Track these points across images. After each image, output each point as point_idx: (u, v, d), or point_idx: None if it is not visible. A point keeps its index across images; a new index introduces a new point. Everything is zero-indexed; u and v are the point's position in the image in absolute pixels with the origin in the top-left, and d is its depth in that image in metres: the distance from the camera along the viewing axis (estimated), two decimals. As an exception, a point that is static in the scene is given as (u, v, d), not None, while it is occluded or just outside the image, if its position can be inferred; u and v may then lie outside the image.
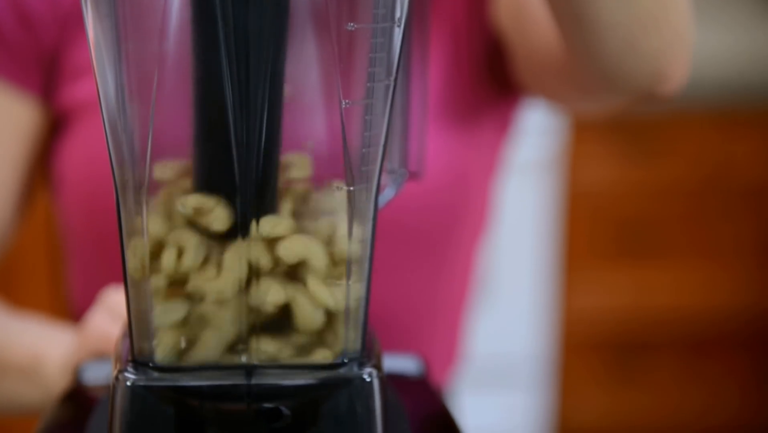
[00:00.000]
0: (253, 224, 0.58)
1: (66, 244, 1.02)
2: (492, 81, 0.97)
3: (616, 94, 0.84)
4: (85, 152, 0.94)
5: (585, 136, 2.65)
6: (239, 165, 0.57)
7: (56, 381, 0.82)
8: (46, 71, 0.95)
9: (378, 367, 0.60)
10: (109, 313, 0.77)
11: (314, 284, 0.59)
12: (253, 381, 0.58)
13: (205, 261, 0.59)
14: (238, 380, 0.58)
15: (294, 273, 0.59)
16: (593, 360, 2.79)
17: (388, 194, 0.66)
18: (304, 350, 0.60)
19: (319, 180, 0.60)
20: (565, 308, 2.75)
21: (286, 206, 0.59)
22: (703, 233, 2.72)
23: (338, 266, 0.59)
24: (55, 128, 0.97)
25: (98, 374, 0.71)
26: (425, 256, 0.98)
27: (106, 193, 0.65)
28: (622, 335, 2.77)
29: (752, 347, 2.79)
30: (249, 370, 0.59)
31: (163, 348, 0.59)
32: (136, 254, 0.58)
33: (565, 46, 0.80)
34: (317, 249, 0.59)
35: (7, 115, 0.94)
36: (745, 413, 2.83)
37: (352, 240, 0.59)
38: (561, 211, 2.69)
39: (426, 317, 1.02)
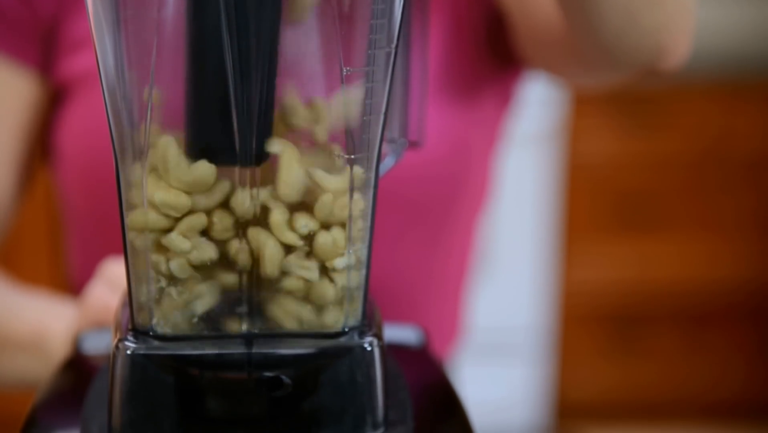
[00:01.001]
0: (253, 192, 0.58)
1: (65, 218, 1.02)
2: (493, 54, 0.96)
3: (618, 69, 0.83)
4: (83, 124, 0.93)
5: (585, 109, 2.65)
6: (239, 133, 0.56)
7: (60, 355, 0.82)
8: (44, 44, 0.94)
9: (378, 336, 0.60)
10: (109, 284, 0.77)
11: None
12: (254, 350, 0.58)
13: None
14: (239, 348, 0.58)
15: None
16: (593, 333, 2.79)
17: (388, 163, 0.66)
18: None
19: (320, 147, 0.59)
20: (565, 281, 2.75)
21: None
22: (704, 205, 2.73)
23: (339, 234, 0.59)
24: (53, 102, 0.97)
25: (98, 344, 0.71)
26: (426, 228, 0.97)
27: (105, 164, 0.65)
28: (622, 308, 2.78)
29: (754, 320, 2.80)
30: (249, 339, 0.59)
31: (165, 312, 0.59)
32: (135, 222, 0.58)
33: (565, 21, 0.79)
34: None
35: (7, 90, 0.94)
36: (748, 386, 2.84)
37: (353, 209, 0.59)
38: (561, 184, 2.69)
39: (426, 290, 1.01)
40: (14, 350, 0.88)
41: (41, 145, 0.99)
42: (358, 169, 0.58)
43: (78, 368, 0.70)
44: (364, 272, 0.60)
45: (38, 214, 2.31)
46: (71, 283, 1.04)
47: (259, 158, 0.57)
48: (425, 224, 0.97)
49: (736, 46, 2.79)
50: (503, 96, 1.00)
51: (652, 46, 0.79)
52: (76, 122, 0.94)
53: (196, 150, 0.57)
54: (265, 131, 0.57)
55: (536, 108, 2.54)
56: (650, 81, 0.92)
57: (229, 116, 0.56)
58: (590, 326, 2.78)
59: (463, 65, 0.95)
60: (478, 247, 1.07)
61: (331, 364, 0.59)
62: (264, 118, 0.56)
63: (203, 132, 0.57)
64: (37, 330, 0.86)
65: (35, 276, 2.19)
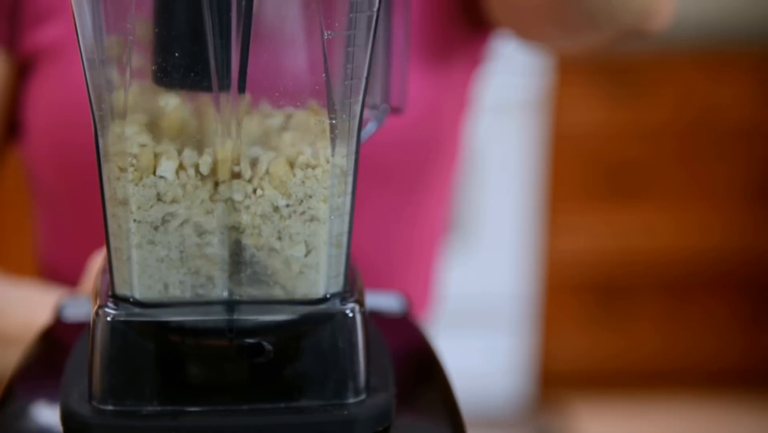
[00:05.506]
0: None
1: (33, 195, 1.01)
2: (465, 17, 0.96)
3: (601, 31, 0.83)
4: (52, 95, 0.92)
5: (570, 78, 2.65)
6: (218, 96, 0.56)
7: None
8: (10, 19, 0.93)
9: (360, 302, 0.60)
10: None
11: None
12: (235, 316, 0.58)
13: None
14: (220, 315, 0.58)
15: None
16: (578, 302, 2.80)
17: (369, 129, 0.65)
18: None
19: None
20: (549, 250, 2.76)
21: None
22: (691, 174, 2.73)
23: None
24: (19, 76, 0.96)
25: (78, 311, 0.71)
26: (396, 194, 0.97)
27: (76, 135, 0.64)
28: (606, 278, 2.78)
29: (743, 290, 2.80)
30: (230, 305, 0.59)
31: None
32: (115, 188, 0.58)
33: None
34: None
35: None
36: (735, 357, 2.85)
37: (334, 174, 0.58)
38: (546, 153, 2.69)
39: (396, 257, 1.01)
40: (4, 344, 0.87)
41: (9, 122, 0.98)
42: (339, 135, 0.58)
43: (58, 336, 0.70)
44: (345, 238, 0.60)
45: (21, 196, 2.30)
46: (41, 258, 1.03)
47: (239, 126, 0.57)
48: (395, 190, 0.97)
49: (722, 13, 2.79)
50: (473, 60, 0.99)
51: (637, 8, 0.79)
52: (44, 93, 0.93)
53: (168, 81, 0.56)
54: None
55: (521, 76, 2.54)
56: (632, 45, 0.92)
57: (209, 80, 0.56)
58: (575, 295, 2.79)
59: (435, 29, 0.94)
60: (449, 214, 1.06)
61: (312, 330, 0.59)
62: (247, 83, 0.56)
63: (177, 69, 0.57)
64: (28, 323, 0.85)
65: (19, 257, 2.18)
